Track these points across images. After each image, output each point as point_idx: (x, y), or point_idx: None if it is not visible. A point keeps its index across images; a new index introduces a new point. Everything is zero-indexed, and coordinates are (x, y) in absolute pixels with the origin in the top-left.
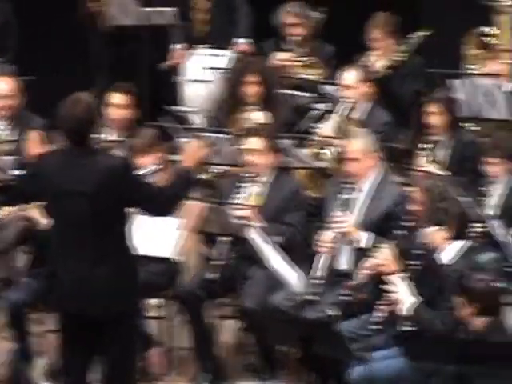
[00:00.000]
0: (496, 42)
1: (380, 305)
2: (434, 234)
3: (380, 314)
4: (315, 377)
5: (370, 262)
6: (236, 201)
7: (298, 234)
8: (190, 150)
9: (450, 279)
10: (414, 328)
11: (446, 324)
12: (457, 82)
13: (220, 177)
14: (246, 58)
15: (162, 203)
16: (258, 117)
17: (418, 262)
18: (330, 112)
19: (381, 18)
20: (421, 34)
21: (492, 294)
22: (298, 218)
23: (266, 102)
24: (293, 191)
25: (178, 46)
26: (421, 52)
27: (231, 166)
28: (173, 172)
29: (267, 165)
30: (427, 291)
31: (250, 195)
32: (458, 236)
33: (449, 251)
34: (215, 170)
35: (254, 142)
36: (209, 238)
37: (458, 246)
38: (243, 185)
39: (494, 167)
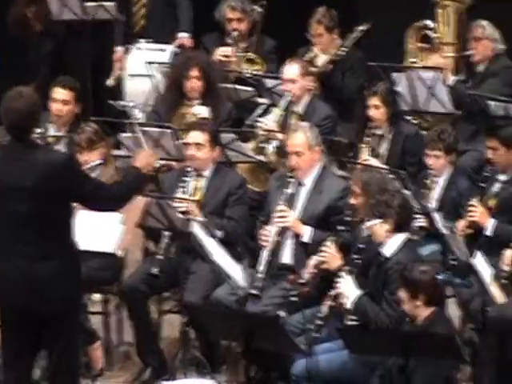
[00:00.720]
0: (438, 35)
1: (324, 298)
2: (376, 227)
3: (324, 308)
4: (258, 371)
5: (314, 260)
6: (178, 195)
7: (240, 228)
8: (143, 156)
9: (394, 272)
10: (358, 321)
11: (390, 317)
12: (399, 76)
13: (163, 171)
14: (187, 52)
15: (111, 198)
16: (199, 111)
17: (361, 256)
18: (272, 106)
19: (322, 12)
20: (361, 28)
21: (436, 285)
22: (240, 211)
23: (208, 96)
24: (234, 185)
25: (120, 48)
26: (362, 46)
27: (174, 160)
28: (124, 171)
29: (209, 159)
30: (371, 284)
31: (192, 189)
32: (400, 229)
33: (391, 244)
34: (158, 165)
35: (196, 136)
36: (152, 233)
37: (400, 238)
38: (186, 179)
39: (436, 160)
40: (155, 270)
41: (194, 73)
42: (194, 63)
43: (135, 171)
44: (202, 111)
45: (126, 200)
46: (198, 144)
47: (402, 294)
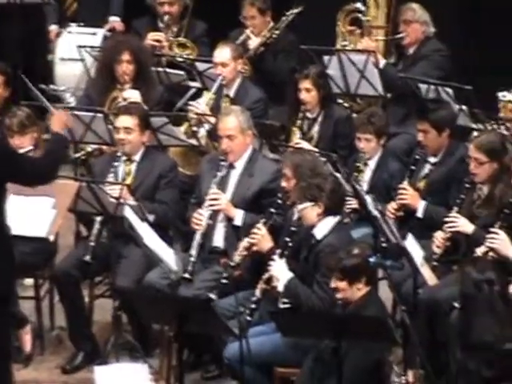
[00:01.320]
0: (368, 18)
1: (256, 282)
2: (307, 211)
3: (257, 291)
4: (190, 354)
5: (246, 242)
6: (110, 179)
7: (171, 212)
8: (55, 119)
9: (325, 254)
10: (290, 304)
11: (322, 299)
12: (330, 59)
13: (94, 155)
14: (118, 36)
15: (44, 171)
16: (130, 95)
17: (292, 239)
18: (204, 89)
19: None
20: (294, 11)
21: (368, 267)
22: (171, 195)
23: (139, 80)
24: (165, 169)
25: (54, 27)
26: (294, 29)
27: (105, 144)
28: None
29: (139, 143)
30: (303, 267)
31: (123, 174)
32: (331, 212)
33: (322, 227)
34: (89, 149)
35: (125, 120)
36: (84, 217)
37: (331, 221)
38: (116, 163)
39: (366, 143)
40: (87, 258)
41: (125, 57)
42: (125, 47)
43: (56, 136)
44: (133, 95)
45: (58, 167)
46: (127, 128)
47: (341, 284)
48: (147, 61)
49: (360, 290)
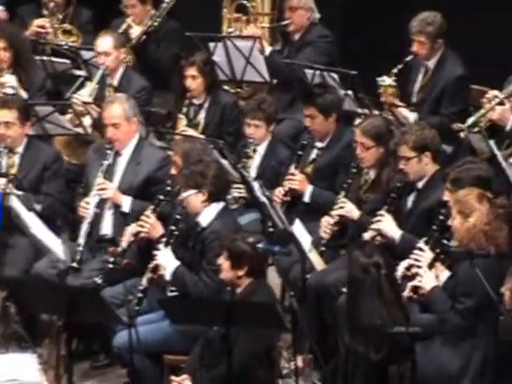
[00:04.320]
0: (254, 4)
1: (144, 270)
2: (191, 198)
3: (144, 280)
4: (79, 343)
5: (132, 228)
6: None
7: (57, 203)
8: None
9: (210, 241)
10: (177, 292)
11: (208, 286)
12: (216, 45)
13: None
14: None
15: None
16: (6, 80)
17: (178, 227)
18: (88, 78)
19: None
20: None
21: (258, 255)
22: (56, 186)
23: (18, 66)
24: (49, 160)
25: None
26: (178, 16)
27: None
28: None
29: (21, 135)
30: (190, 255)
31: (6, 166)
32: (216, 199)
33: (207, 214)
34: None
35: (5, 115)
36: None
37: (216, 208)
38: None
39: (256, 129)
40: None
41: (0, 44)
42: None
43: None
44: (9, 80)
45: None
46: (6, 123)
47: (224, 263)
48: (24, 47)
49: (240, 278)
